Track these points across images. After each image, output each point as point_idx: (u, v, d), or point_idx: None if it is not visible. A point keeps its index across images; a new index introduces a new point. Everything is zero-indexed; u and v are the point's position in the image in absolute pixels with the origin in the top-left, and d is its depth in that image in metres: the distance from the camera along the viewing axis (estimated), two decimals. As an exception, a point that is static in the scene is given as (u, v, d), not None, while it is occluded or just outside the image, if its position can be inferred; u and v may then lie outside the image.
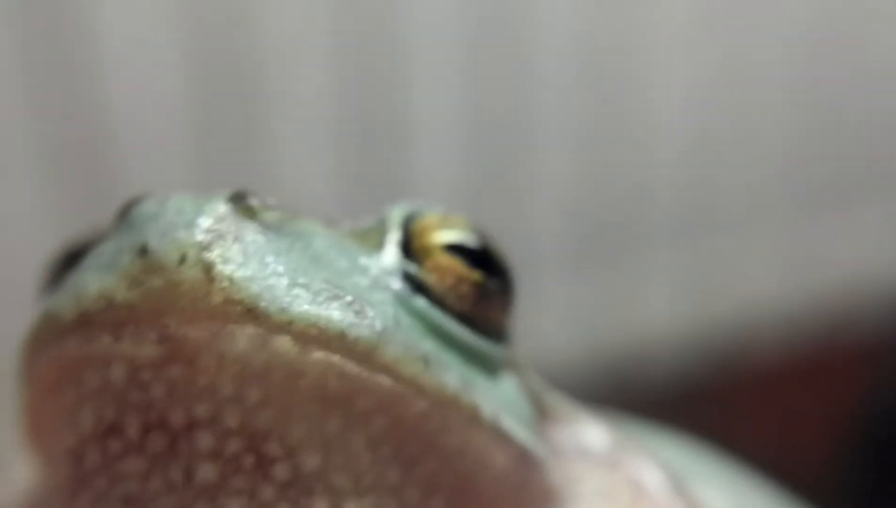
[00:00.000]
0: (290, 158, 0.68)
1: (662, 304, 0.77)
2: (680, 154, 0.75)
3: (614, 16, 0.71)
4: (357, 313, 0.19)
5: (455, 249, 0.22)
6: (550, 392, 0.24)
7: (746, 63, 0.74)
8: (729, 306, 0.77)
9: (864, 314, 0.77)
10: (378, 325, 0.19)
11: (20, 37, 0.61)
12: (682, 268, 0.77)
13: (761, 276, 0.77)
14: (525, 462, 0.22)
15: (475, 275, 0.22)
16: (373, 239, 0.22)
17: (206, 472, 0.19)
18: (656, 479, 0.24)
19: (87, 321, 0.19)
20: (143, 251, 0.18)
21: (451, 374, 0.20)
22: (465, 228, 0.22)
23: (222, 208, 0.19)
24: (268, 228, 0.19)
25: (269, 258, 0.19)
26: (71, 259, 0.22)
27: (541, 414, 0.24)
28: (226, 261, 0.18)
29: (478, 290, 0.22)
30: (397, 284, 0.21)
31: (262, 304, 0.18)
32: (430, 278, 0.21)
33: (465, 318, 0.21)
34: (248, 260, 0.19)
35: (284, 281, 0.19)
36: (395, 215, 0.22)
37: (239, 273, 0.18)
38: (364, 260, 0.21)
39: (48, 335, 0.20)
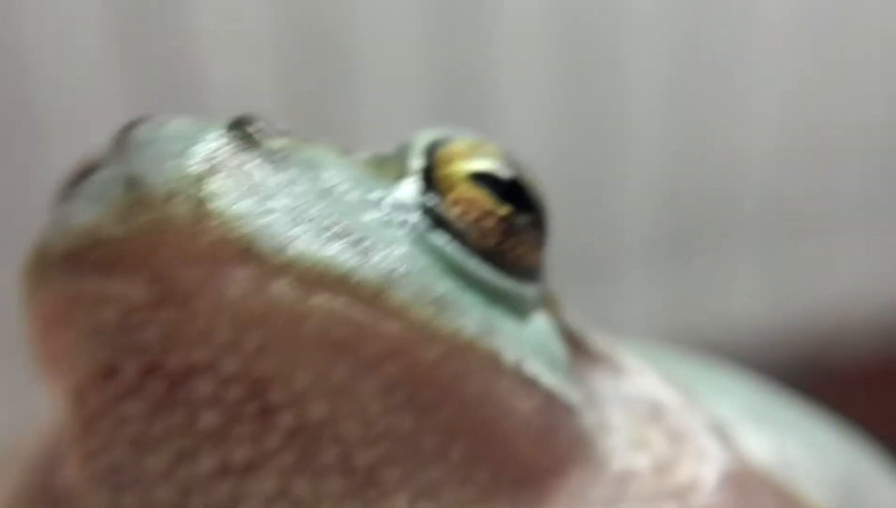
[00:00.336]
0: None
1: (748, 302, 0.77)
2: (771, 154, 0.75)
3: (709, 14, 0.71)
4: (364, 252, 0.17)
5: (483, 179, 0.20)
6: (591, 332, 0.23)
7: (839, 67, 0.74)
8: (815, 306, 0.77)
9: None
10: (387, 265, 0.17)
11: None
12: (768, 267, 0.77)
13: (848, 275, 0.77)
14: (553, 407, 0.20)
15: (503, 209, 0.20)
16: (393, 168, 0.20)
17: (208, 418, 0.18)
18: (699, 429, 0.22)
19: (74, 258, 0.17)
20: (132, 183, 0.17)
21: (470, 317, 0.18)
22: (496, 157, 0.20)
23: (219, 135, 0.17)
24: (270, 158, 0.18)
25: (269, 192, 0.17)
26: (84, 177, 0.20)
27: (579, 356, 0.22)
28: (219, 195, 0.17)
29: (505, 225, 0.20)
30: (415, 218, 0.19)
31: (259, 243, 0.17)
32: (451, 212, 0.19)
33: (490, 255, 0.20)
34: (244, 194, 0.17)
35: (285, 218, 0.17)
36: (420, 141, 0.20)
37: (233, 209, 0.17)
38: (379, 192, 0.19)
39: (38, 271, 0.18)
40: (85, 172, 0.20)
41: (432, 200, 0.19)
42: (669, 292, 0.76)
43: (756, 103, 0.74)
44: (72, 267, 0.17)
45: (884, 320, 0.76)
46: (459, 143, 0.20)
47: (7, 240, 0.36)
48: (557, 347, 0.21)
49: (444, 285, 0.18)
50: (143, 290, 0.17)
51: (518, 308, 0.20)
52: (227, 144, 0.17)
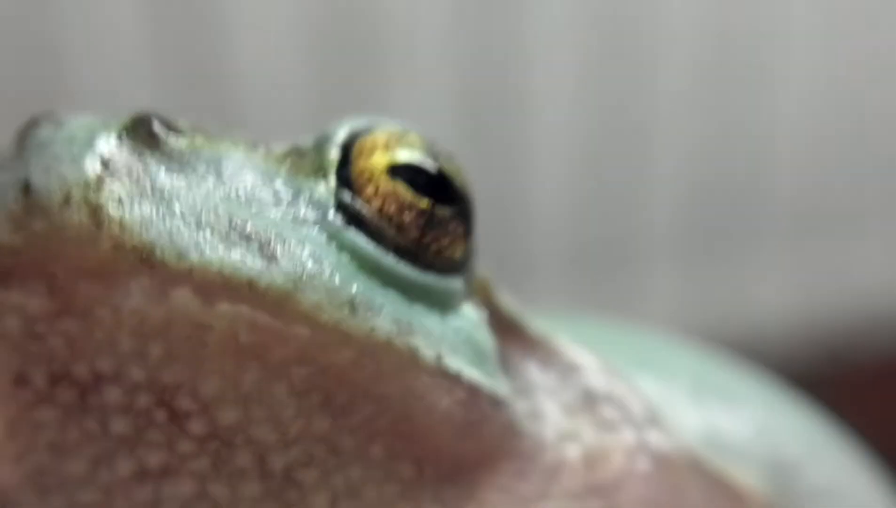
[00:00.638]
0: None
1: (772, 296, 0.77)
2: (798, 150, 0.75)
3: (740, 9, 0.71)
4: (271, 255, 0.17)
5: (404, 171, 0.19)
6: (527, 317, 0.22)
7: (870, 63, 0.74)
8: (840, 301, 0.77)
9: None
10: (295, 268, 0.17)
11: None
12: (793, 261, 0.78)
13: (873, 272, 0.77)
14: (477, 401, 0.19)
15: (422, 202, 0.19)
16: (309, 162, 0.19)
17: (120, 425, 0.18)
18: (631, 416, 0.22)
19: None
20: (27, 188, 0.16)
21: (385, 316, 0.18)
22: (419, 147, 0.19)
23: (116, 137, 0.17)
24: (171, 159, 0.17)
25: (170, 195, 0.17)
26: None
27: (512, 344, 0.21)
28: (116, 201, 0.16)
29: (425, 218, 0.19)
30: (329, 215, 0.18)
31: (158, 250, 0.16)
32: (369, 208, 0.19)
33: (410, 250, 0.19)
34: (142, 199, 0.16)
35: (186, 222, 0.16)
36: (339, 132, 0.19)
37: (131, 215, 0.16)
38: (291, 189, 0.18)
39: None
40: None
41: (348, 195, 0.19)
42: (694, 284, 0.76)
43: (785, 98, 0.73)
44: None
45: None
46: (380, 133, 0.19)
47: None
48: (484, 338, 0.20)
49: (357, 285, 0.18)
50: (43, 300, 0.16)
51: (441, 302, 0.20)
52: (126, 145, 0.17)
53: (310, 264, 0.17)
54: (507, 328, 0.21)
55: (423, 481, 0.19)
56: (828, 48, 0.72)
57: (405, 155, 0.19)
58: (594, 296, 0.73)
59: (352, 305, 0.17)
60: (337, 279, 0.17)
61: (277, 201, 0.18)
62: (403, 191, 0.19)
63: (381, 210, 0.19)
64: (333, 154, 0.19)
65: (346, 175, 0.19)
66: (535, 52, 0.69)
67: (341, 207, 0.19)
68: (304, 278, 0.17)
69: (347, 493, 0.19)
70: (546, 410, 0.21)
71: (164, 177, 0.17)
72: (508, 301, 0.22)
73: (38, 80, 0.64)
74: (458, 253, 0.20)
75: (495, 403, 0.20)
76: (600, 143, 0.73)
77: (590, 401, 0.22)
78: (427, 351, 0.18)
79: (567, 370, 0.22)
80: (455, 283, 0.20)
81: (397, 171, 0.19)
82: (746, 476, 0.23)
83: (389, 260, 0.19)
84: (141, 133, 0.17)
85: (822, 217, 0.76)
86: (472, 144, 0.72)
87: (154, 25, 0.65)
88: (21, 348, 0.17)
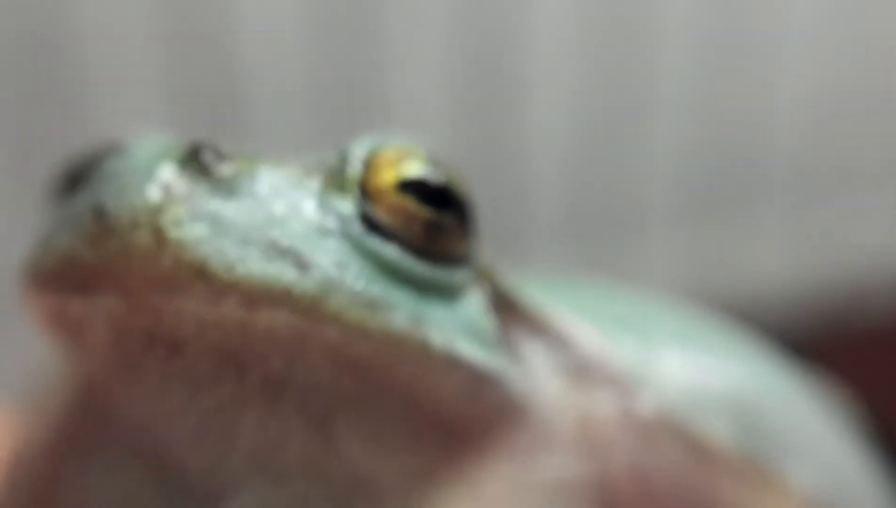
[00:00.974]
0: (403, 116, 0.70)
1: (771, 262, 0.78)
2: (796, 115, 0.75)
3: None
4: (303, 265, 0.20)
5: (410, 186, 0.23)
6: (526, 292, 0.25)
7: (868, 30, 0.74)
8: (839, 267, 0.78)
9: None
10: (323, 277, 0.21)
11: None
12: (793, 227, 0.78)
13: (872, 237, 0.78)
14: (480, 381, 0.23)
15: (425, 212, 0.23)
16: (334, 178, 0.22)
17: (201, 369, 0.22)
18: (618, 381, 0.25)
19: (59, 279, 0.21)
20: (101, 213, 0.20)
21: (400, 313, 0.21)
22: (423, 161, 0.23)
23: (174, 167, 0.20)
24: (220, 185, 0.21)
25: (219, 218, 0.20)
26: (73, 179, 0.24)
27: (512, 321, 0.25)
28: (175, 224, 0.20)
29: (429, 226, 0.23)
30: (352, 225, 0.22)
31: (210, 265, 0.20)
32: (384, 218, 0.22)
33: (420, 251, 0.23)
34: (196, 221, 0.20)
35: (233, 240, 0.20)
36: (356, 150, 0.23)
37: (188, 236, 0.20)
38: (321, 204, 0.22)
39: (32, 286, 0.22)
40: (71, 178, 0.24)
41: (367, 208, 0.22)
42: (693, 250, 0.76)
43: (783, 64, 0.73)
44: (57, 286, 0.21)
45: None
46: (386, 152, 0.23)
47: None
48: (486, 321, 0.24)
49: (377, 287, 0.21)
50: (120, 303, 0.20)
51: (449, 293, 0.23)
52: (183, 175, 0.20)
53: (336, 272, 0.21)
54: (507, 307, 0.25)
55: (433, 440, 0.23)
56: (831, 8, 0.73)
57: (411, 170, 0.23)
58: (592, 260, 0.74)
59: (372, 304, 0.21)
60: (359, 283, 0.21)
61: (309, 216, 0.22)
62: (410, 204, 0.23)
63: (392, 220, 0.22)
64: (355, 172, 0.23)
65: (365, 190, 0.23)
66: (535, 17, 0.70)
67: (362, 217, 0.22)
68: (331, 284, 0.21)
69: (370, 436, 0.23)
70: (543, 381, 0.25)
71: (214, 201, 0.21)
72: (509, 281, 0.25)
73: (47, 79, 0.67)
74: (461, 250, 0.23)
75: (496, 380, 0.23)
76: (598, 107, 0.73)
77: (582, 371, 0.25)
78: (436, 338, 0.22)
79: (562, 341, 0.25)
80: (459, 274, 0.23)
81: (405, 185, 0.23)
82: (719, 432, 0.26)
83: (403, 261, 0.22)
84: (194, 162, 0.21)
85: (822, 180, 0.77)
86: (468, 110, 0.72)
87: (165, 34, 0.67)
88: (108, 337, 0.21)
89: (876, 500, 0.30)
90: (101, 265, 0.20)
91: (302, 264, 0.21)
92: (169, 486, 0.23)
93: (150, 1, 0.66)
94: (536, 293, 0.26)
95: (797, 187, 0.77)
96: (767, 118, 0.75)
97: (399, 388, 0.22)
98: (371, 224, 0.22)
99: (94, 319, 0.21)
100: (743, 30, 0.73)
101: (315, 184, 0.22)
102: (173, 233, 0.20)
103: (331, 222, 0.22)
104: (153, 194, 0.20)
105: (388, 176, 0.23)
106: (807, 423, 0.29)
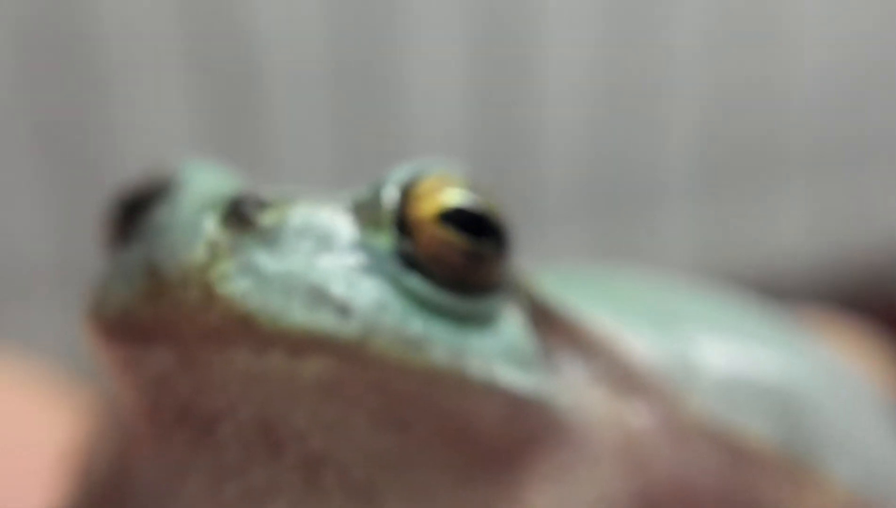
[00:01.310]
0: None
1: (792, 235, 0.78)
2: (816, 85, 0.74)
3: None
4: (343, 310, 0.21)
5: (449, 216, 0.23)
6: (564, 303, 0.25)
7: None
8: (860, 240, 0.77)
9: None
10: (364, 320, 0.21)
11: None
12: (813, 200, 0.77)
13: (893, 210, 0.77)
14: (522, 405, 0.23)
15: (464, 243, 0.23)
16: (370, 214, 0.23)
17: (231, 452, 0.22)
18: (660, 389, 0.25)
19: (116, 331, 0.22)
20: (152, 271, 0.21)
21: (439, 347, 0.22)
22: (462, 188, 0.23)
23: (217, 223, 0.21)
24: (261, 236, 0.22)
25: (262, 270, 0.21)
26: (130, 209, 0.25)
27: (552, 333, 0.25)
28: (222, 280, 0.21)
29: (467, 257, 0.23)
30: (390, 263, 0.23)
31: (256, 317, 0.21)
32: (422, 253, 0.23)
33: (457, 283, 0.23)
34: (241, 275, 0.21)
35: (276, 291, 0.21)
36: (391, 188, 0.23)
37: (234, 290, 0.21)
38: (358, 243, 0.23)
39: (92, 331, 0.23)
40: (128, 208, 0.25)
41: (405, 244, 0.23)
42: (712, 224, 0.76)
43: (804, 34, 0.73)
44: (113, 338, 0.22)
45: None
46: (427, 182, 0.23)
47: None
48: (524, 341, 0.24)
49: (416, 324, 0.22)
50: (172, 356, 0.21)
51: (487, 319, 0.24)
52: (227, 230, 0.21)
53: (377, 313, 0.22)
54: (545, 317, 0.25)
55: (479, 473, 0.24)
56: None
57: (450, 200, 0.23)
58: (610, 235, 0.74)
59: (413, 342, 0.22)
60: (399, 322, 0.22)
61: (347, 258, 0.22)
62: (451, 236, 0.23)
63: (432, 254, 0.23)
64: (390, 207, 0.23)
65: (402, 222, 0.23)
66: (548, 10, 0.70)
67: (400, 254, 0.23)
68: (372, 326, 0.22)
69: (416, 489, 0.23)
70: (583, 394, 0.25)
71: (256, 253, 0.22)
72: (544, 289, 0.25)
73: (69, 64, 0.67)
74: (498, 275, 0.24)
75: (537, 400, 0.24)
76: (614, 80, 0.73)
77: (622, 380, 0.26)
78: (475, 368, 0.23)
79: (602, 351, 0.26)
80: (497, 299, 0.24)
81: (445, 217, 0.23)
82: (762, 433, 0.26)
83: (441, 296, 0.23)
84: (236, 216, 0.22)
85: (843, 153, 0.76)
86: (484, 83, 0.72)
87: (186, 17, 0.67)
88: (155, 391, 0.22)
89: None
90: (155, 321, 0.21)
91: (342, 309, 0.21)
92: None
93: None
94: (568, 293, 0.26)
95: (818, 160, 0.76)
96: (788, 90, 0.74)
97: (442, 424, 0.23)
98: (408, 260, 0.23)
99: (145, 373, 0.22)
100: (763, 4, 0.72)
101: (350, 224, 0.23)
102: (221, 289, 0.21)
103: (368, 262, 0.22)
104: (200, 251, 0.21)
105: (427, 208, 0.23)
106: (850, 415, 0.29)
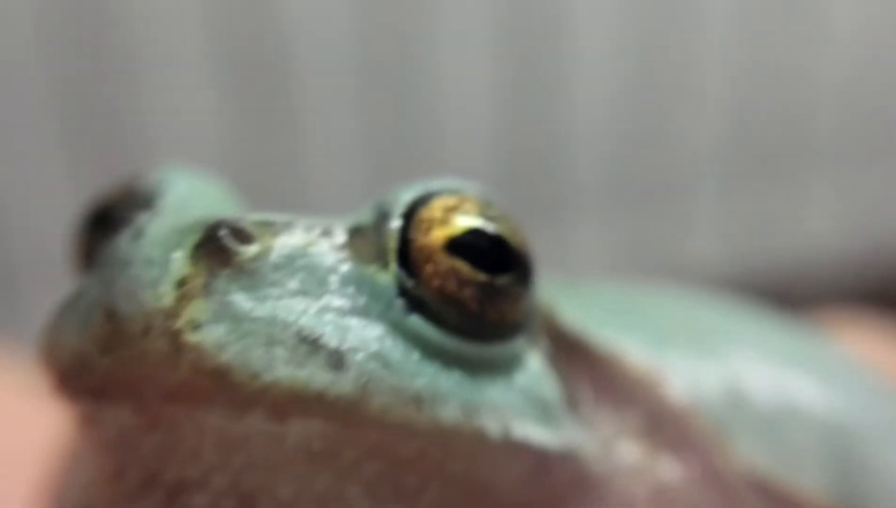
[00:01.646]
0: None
1: (819, 227, 0.77)
2: (844, 79, 0.74)
3: None
4: (336, 364, 0.18)
5: (461, 245, 0.19)
6: (593, 334, 0.22)
7: None
8: (888, 232, 0.76)
9: None
10: (360, 373, 0.18)
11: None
12: (841, 192, 0.76)
13: None
14: (546, 461, 0.20)
15: (479, 276, 0.19)
16: (370, 245, 0.20)
17: None
18: (694, 437, 0.22)
19: (69, 382, 0.19)
20: (111, 314, 0.18)
21: (451, 403, 0.19)
22: (476, 214, 0.20)
23: (189, 258, 0.18)
24: (242, 272, 0.18)
25: (240, 313, 0.18)
26: (98, 222, 0.21)
27: (577, 371, 0.22)
28: (192, 327, 0.17)
29: (484, 291, 0.19)
30: (393, 304, 0.19)
31: (233, 373, 0.17)
32: (428, 290, 0.19)
33: (472, 323, 0.20)
34: (216, 321, 0.17)
35: (257, 340, 0.18)
36: (397, 204, 0.20)
37: (206, 339, 0.17)
38: (355, 281, 0.19)
39: (46, 377, 0.19)
40: (96, 221, 0.21)
41: (408, 280, 0.19)
42: (741, 214, 0.75)
43: (832, 26, 0.71)
44: (68, 389, 0.19)
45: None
46: (436, 205, 0.20)
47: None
48: (547, 387, 0.21)
49: (422, 377, 0.19)
50: (132, 416, 0.18)
51: (504, 365, 0.20)
52: (199, 266, 0.18)
53: (375, 365, 0.18)
54: (571, 351, 0.22)
55: None
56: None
57: (461, 226, 0.19)
58: (638, 225, 0.73)
59: (417, 399, 0.18)
60: (402, 376, 0.18)
61: (342, 298, 0.19)
62: (462, 267, 0.19)
63: (441, 289, 0.19)
64: (392, 238, 0.20)
65: (406, 252, 0.19)
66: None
67: (403, 291, 0.19)
68: (371, 383, 0.18)
69: None
70: (614, 445, 0.22)
71: (234, 294, 0.18)
72: (571, 317, 0.22)
73: (97, 54, 0.66)
74: (518, 314, 0.20)
75: (563, 456, 0.21)
76: (642, 74, 0.72)
77: (657, 427, 0.22)
78: (493, 426, 0.19)
79: (634, 393, 0.22)
80: (517, 343, 0.20)
81: (455, 245, 0.19)
82: (812, 484, 0.23)
83: (451, 341, 0.19)
84: (212, 248, 0.18)
85: (868, 147, 0.75)
86: (514, 82, 0.71)
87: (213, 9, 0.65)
88: (118, 452, 0.19)
89: None
90: (112, 375, 0.18)
91: (335, 361, 0.18)
92: None
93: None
94: (595, 319, 0.22)
95: (848, 150, 0.75)
96: (817, 82, 0.73)
97: (454, 489, 0.19)
98: (413, 299, 0.19)
99: (106, 431, 0.19)
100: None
101: (345, 257, 0.19)
102: (190, 337, 0.17)
103: (366, 302, 0.19)
104: (166, 291, 0.17)
105: (436, 235, 0.19)
106: None
